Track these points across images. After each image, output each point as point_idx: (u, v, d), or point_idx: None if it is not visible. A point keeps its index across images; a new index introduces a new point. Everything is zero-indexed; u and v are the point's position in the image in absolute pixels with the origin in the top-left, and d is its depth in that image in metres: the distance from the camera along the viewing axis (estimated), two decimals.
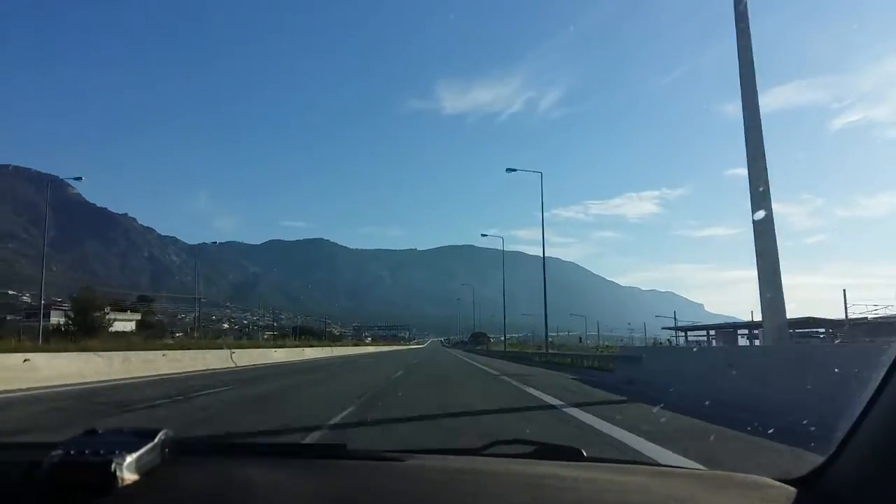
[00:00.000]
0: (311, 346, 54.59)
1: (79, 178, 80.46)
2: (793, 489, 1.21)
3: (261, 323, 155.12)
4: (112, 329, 54.21)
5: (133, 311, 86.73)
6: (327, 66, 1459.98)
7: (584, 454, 1.58)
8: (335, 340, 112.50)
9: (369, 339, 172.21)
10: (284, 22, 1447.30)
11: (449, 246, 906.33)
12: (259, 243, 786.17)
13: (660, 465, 1.67)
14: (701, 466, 4.42)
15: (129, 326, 68.18)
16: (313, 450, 1.61)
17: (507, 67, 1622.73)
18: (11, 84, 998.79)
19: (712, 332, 69.03)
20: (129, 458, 1.02)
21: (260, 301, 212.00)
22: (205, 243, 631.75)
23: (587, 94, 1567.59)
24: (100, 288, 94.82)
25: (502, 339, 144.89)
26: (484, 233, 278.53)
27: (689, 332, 74.16)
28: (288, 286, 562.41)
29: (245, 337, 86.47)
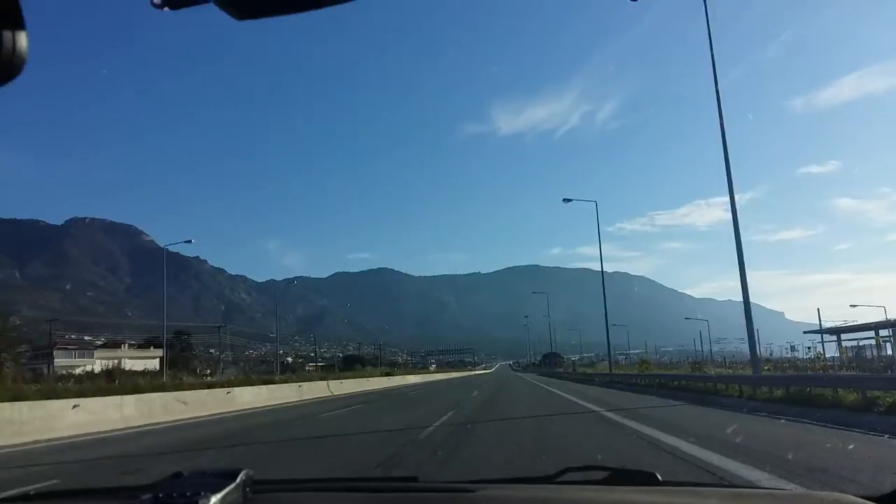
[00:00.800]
0: (342, 380, 42.78)
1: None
2: None
3: (326, 355, 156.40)
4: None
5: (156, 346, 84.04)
6: (383, 99, 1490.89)
7: (660, 478, 1.56)
8: (394, 368, 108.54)
9: (433, 365, 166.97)
10: (346, 60, 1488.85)
11: (513, 267, 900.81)
12: (325, 276, 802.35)
13: (737, 486, 1.57)
14: (781, 486, 4.00)
15: (152, 364, 66.94)
16: (386, 483, 1.61)
17: (561, 83, 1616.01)
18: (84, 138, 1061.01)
19: (885, 333, 44.36)
20: (214, 499, 1.08)
21: (319, 333, 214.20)
22: (273, 280, 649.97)
23: (644, 104, 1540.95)
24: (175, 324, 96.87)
25: (573, 358, 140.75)
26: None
27: (841, 335, 48.74)
28: (355, 317, 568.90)
29: (288, 371, 77.15)
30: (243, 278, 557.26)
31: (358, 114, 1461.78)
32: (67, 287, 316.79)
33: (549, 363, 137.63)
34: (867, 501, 1.21)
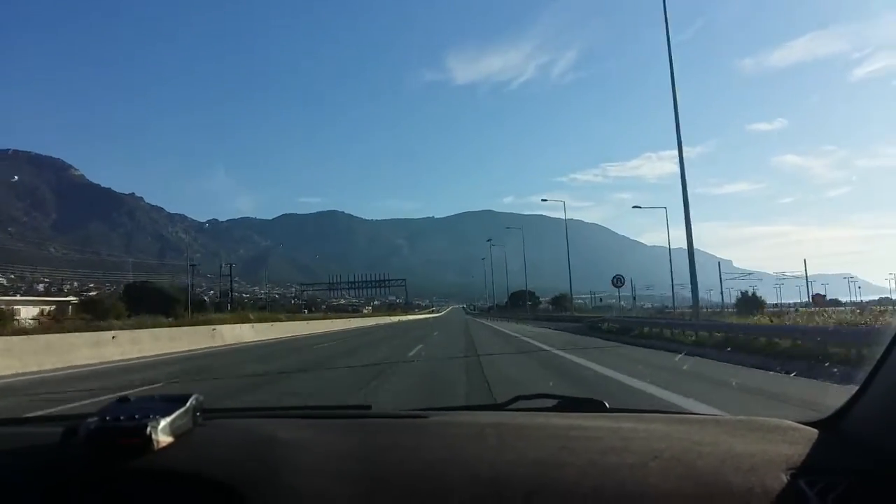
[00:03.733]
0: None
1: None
2: (814, 430, 1.26)
3: (262, 296, 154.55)
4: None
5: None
6: (339, 43, 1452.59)
7: (607, 405, 1.64)
8: (334, 312, 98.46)
9: (369, 308, 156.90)
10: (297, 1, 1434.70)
11: (467, 212, 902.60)
12: (272, 218, 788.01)
13: (682, 412, 1.64)
14: (723, 412, 3.75)
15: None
16: (339, 411, 1.69)
17: (517, 34, 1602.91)
18: (12, 66, 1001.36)
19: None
20: (164, 422, 1.09)
21: (267, 274, 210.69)
22: (215, 219, 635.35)
23: (600, 58, 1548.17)
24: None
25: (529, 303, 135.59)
26: (544, 198, 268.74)
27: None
28: (301, 259, 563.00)
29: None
30: (182, 217, 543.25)
31: (313, 58, 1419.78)
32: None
33: (519, 305, 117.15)
34: (806, 426, 1.29)
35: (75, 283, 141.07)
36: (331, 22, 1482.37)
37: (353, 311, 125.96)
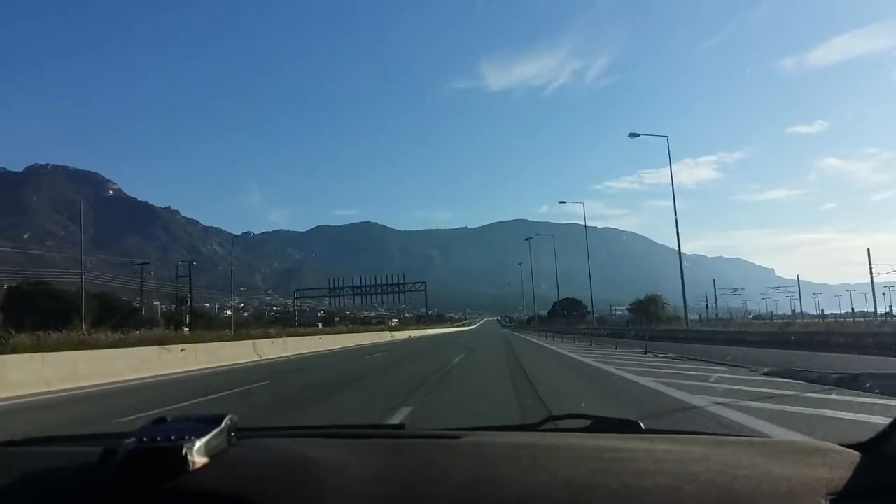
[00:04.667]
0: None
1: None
2: (856, 453, 1.24)
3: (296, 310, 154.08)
4: None
5: None
6: (371, 54, 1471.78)
7: (642, 426, 1.63)
8: (364, 325, 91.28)
9: (395, 321, 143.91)
10: (331, 14, 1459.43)
11: (499, 222, 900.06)
12: (305, 230, 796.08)
13: (718, 434, 1.69)
14: (761, 434, 4.33)
15: None
16: (373, 431, 1.68)
17: (550, 39, 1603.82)
18: (49, 83, 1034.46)
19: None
20: (199, 443, 1.11)
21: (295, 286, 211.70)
22: (249, 232, 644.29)
23: (634, 62, 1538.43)
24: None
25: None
26: (563, 200, 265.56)
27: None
28: (334, 271, 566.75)
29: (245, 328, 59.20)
30: (217, 230, 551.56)
31: (344, 63, 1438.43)
32: (25, 237, 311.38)
33: (566, 315, 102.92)
34: (848, 449, 1.27)
35: None
36: (361, 33, 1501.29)
37: (377, 323, 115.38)
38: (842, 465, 1.18)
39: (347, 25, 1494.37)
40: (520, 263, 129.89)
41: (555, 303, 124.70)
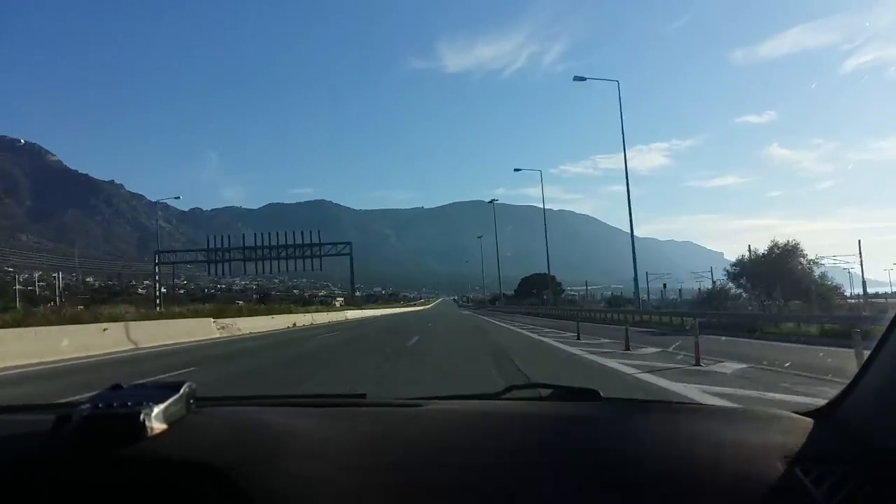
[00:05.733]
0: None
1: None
2: (810, 420, 1.29)
3: (236, 288, 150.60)
4: None
5: None
6: (327, 31, 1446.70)
7: (601, 395, 1.65)
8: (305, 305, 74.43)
9: (340, 301, 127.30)
10: None
11: (457, 203, 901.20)
12: (258, 207, 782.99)
13: (676, 402, 1.71)
14: (718, 403, 4.15)
15: None
16: (333, 399, 1.71)
17: (509, 23, 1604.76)
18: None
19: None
20: (157, 409, 1.10)
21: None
22: (198, 208, 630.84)
23: (590, 49, 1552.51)
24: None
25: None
26: (517, 167, 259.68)
27: None
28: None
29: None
30: (164, 205, 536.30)
31: (303, 49, 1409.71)
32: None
33: (533, 295, 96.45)
34: (802, 416, 1.33)
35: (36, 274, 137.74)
36: (319, 10, 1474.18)
37: (319, 303, 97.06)
38: (797, 430, 1.23)
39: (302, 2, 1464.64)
40: (479, 236, 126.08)
41: (523, 279, 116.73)
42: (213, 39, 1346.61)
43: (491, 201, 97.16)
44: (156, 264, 73.26)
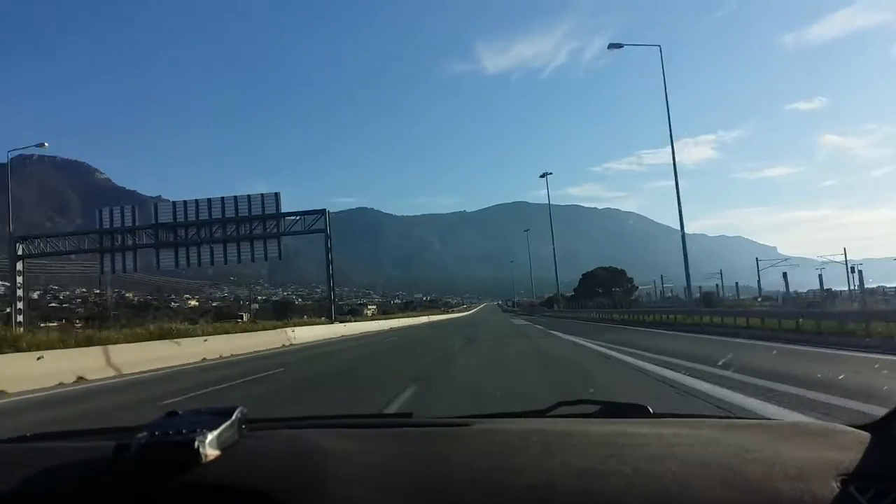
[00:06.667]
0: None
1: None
2: (865, 434, 1.25)
3: (292, 299, 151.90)
4: None
5: None
6: (367, 43, 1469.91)
7: (651, 411, 1.66)
8: (353, 315, 78.39)
9: (373, 309, 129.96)
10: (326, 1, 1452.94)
11: (499, 205, 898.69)
12: None
13: (728, 416, 1.65)
14: (771, 417, 4.10)
15: None
16: (381, 420, 1.72)
17: (547, 20, 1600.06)
18: (38, 72, 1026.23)
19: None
20: (210, 436, 1.13)
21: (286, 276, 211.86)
22: None
23: (633, 40, 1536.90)
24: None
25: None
26: (556, 167, 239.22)
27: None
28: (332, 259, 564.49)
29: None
30: None
31: (341, 53, 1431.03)
32: (9, 228, 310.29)
33: (600, 293, 74.95)
34: (857, 430, 1.29)
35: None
36: (357, 19, 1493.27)
37: (347, 312, 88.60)
38: (852, 446, 1.19)
39: (342, 11, 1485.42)
40: (526, 230, 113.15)
41: (584, 274, 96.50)
42: (256, 56, 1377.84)
43: (543, 174, 77.08)
44: (16, 259, 45.54)
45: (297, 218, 49.11)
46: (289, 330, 32.72)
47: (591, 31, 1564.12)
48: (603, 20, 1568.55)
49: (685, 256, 37.04)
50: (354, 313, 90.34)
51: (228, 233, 44.64)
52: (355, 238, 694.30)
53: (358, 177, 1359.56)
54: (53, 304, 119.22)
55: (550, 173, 77.07)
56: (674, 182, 36.46)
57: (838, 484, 1.04)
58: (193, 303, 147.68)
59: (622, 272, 78.64)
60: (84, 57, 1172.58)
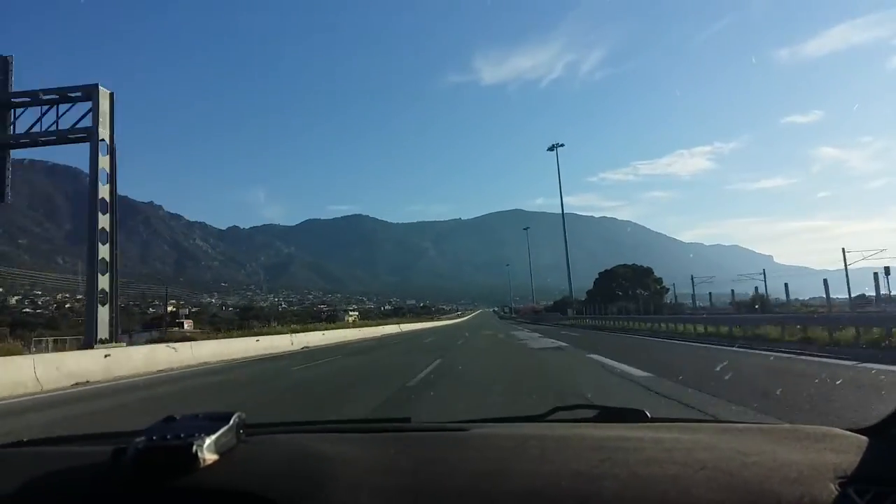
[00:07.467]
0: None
1: None
2: (863, 437, 1.27)
3: (282, 306, 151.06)
4: None
5: None
6: (365, 54, 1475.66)
7: (648, 415, 1.68)
8: (333, 322, 69.59)
9: (355, 314, 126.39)
10: (324, 11, 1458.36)
11: (495, 213, 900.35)
12: (295, 224, 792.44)
13: (725, 421, 1.73)
14: (768, 421, 4.20)
15: None
16: (379, 424, 1.73)
17: (544, 33, 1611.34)
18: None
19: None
20: (208, 440, 1.15)
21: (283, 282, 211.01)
22: (236, 226, 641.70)
23: (628, 55, 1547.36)
24: None
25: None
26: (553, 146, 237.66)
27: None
28: (324, 266, 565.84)
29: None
30: (202, 225, 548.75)
31: (338, 61, 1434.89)
32: None
33: (619, 296, 62.87)
34: (854, 434, 1.30)
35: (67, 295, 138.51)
36: (355, 30, 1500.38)
37: (325, 319, 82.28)
38: (850, 449, 1.20)
39: (340, 22, 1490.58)
40: (526, 228, 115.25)
41: (602, 272, 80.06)
42: (253, 65, 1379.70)
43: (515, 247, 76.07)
44: None
45: (45, 108, 29.68)
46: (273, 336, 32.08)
47: (588, 45, 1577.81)
48: (599, 34, 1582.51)
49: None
50: (332, 319, 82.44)
51: None
52: (350, 245, 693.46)
53: (352, 184, 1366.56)
54: (27, 310, 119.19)
55: (562, 145, 69.91)
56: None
57: (837, 487, 1.05)
58: None
59: (649, 270, 66.75)
60: (76, 62, 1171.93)
